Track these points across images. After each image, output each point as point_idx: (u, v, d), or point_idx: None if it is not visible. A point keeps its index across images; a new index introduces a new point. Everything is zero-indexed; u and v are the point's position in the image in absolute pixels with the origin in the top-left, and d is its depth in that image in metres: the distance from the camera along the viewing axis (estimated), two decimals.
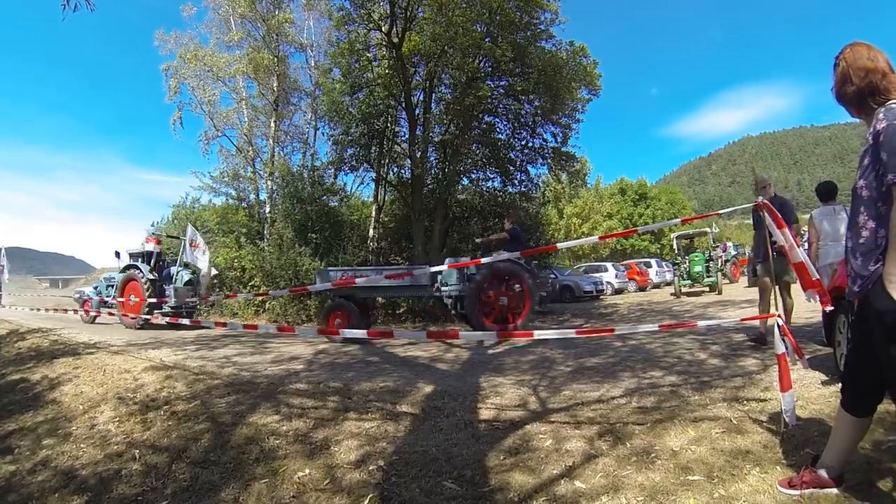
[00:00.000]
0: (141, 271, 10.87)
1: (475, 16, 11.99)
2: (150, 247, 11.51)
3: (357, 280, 7.38)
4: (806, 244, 5.84)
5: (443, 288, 8.45)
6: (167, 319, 9.72)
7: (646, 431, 2.92)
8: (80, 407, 4.55)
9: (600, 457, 2.65)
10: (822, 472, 2.02)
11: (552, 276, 17.43)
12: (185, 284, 11.15)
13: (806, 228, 5.94)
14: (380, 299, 11.26)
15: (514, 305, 8.09)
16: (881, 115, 1.70)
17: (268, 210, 16.94)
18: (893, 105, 1.72)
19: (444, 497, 2.41)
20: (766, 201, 2.96)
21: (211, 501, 2.66)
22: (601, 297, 18.80)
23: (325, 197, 14.27)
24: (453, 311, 8.87)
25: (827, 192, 5.13)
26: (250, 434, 3.44)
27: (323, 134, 17.32)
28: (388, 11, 12.43)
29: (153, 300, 10.19)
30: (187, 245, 10.46)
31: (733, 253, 20.16)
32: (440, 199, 13.45)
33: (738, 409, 3.13)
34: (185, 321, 7.15)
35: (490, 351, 6.44)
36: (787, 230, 2.80)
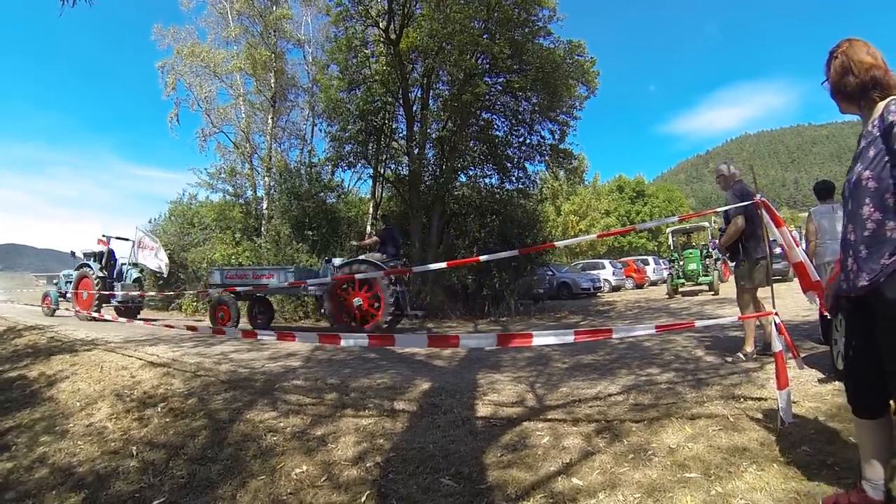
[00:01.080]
0: (92, 269, 11.73)
1: (473, 12, 11.96)
2: (101, 248, 12.42)
3: (238, 278, 8.94)
4: (803, 242, 5.85)
5: (310, 288, 8.75)
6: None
7: (643, 429, 2.92)
8: (78, 404, 4.55)
9: (597, 454, 2.65)
10: (870, 491, 1.88)
11: (549, 273, 17.46)
12: (133, 282, 12.09)
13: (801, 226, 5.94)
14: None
15: (369, 308, 8.27)
16: (893, 108, 1.70)
17: (265, 206, 16.89)
18: None
19: (442, 494, 2.41)
20: (763, 199, 2.96)
21: (208, 498, 2.66)
22: (598, 294, 18.85)
23: (322, 193, 14.23)
24: (322, 310, 9.29)
25: (825, 191, 5.16)
26: (247, 431, 3.43)
27: (320, 130, 17.28)
28: (386, 7, 12.40)
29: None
30: (136, 247, 11.89)
31: None
32: (437, 195, 13.42)
33: (734, 407, 3.14)
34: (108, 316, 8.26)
35: (487, 347, 6.44)
36: (784, 228, 2.81)
